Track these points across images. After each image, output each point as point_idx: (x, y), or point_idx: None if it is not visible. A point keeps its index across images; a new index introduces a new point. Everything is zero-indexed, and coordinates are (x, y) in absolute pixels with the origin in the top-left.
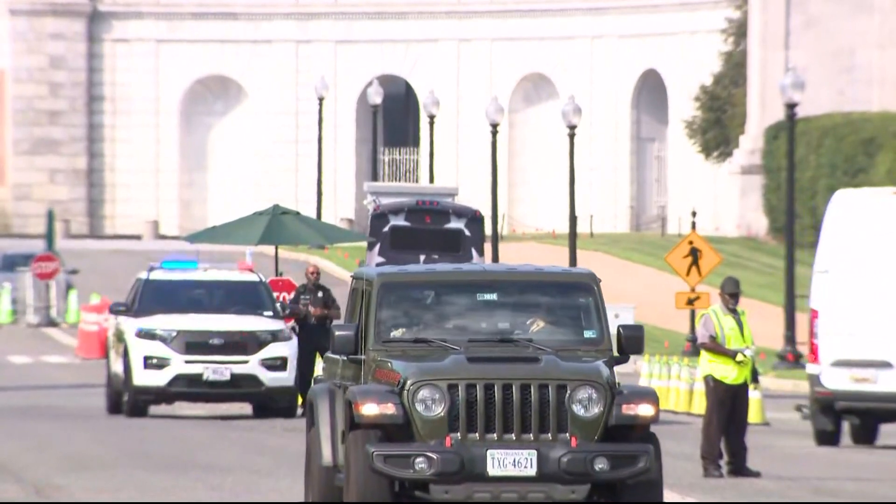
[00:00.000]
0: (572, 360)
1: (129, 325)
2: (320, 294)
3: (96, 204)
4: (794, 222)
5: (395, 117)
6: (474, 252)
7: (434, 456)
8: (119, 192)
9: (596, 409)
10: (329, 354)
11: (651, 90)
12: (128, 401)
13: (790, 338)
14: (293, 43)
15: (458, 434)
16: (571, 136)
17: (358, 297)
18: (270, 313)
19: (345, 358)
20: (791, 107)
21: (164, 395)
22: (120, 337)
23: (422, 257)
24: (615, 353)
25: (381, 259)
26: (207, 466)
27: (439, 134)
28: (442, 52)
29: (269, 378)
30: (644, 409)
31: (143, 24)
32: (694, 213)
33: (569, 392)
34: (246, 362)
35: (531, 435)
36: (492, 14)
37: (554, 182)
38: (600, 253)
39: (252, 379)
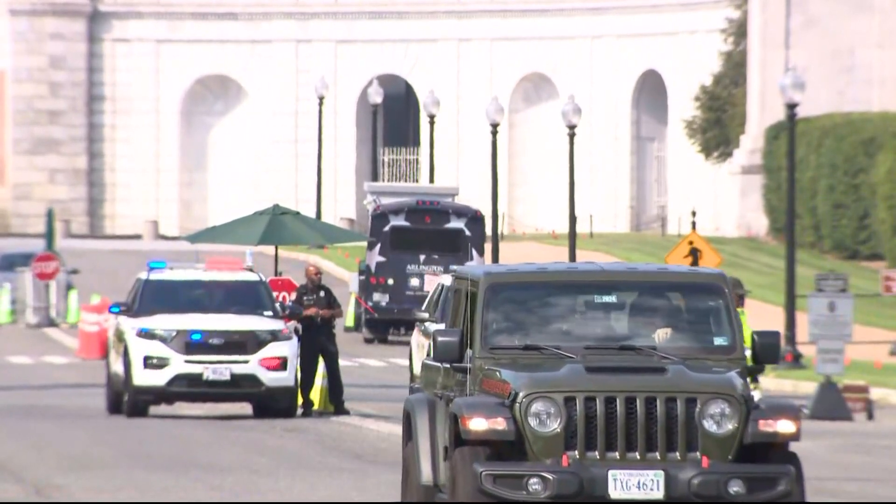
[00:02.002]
0: (702, 371)
1: (129, 325)
2: (322, 294)
3: (96, 204)
4: (794, 222)
5: (395, 117)
6: (474, 252)
7: (550, 476)
8: (119, 192)
9: (730, 426)
10: (427, 361)
11: (651, 90)
12: (128, 401)
13: (790, 338)
14: (293, 43)
15: (576, 452)
16: (571, 136)
17: (461, 298)
18: (270, 313)
19: (447, 366)
20: (791, 107)
21: (164, 395)
22: (120, 337)
23: (422, 257)
24: (749, 363)
25: (381, 259)
26: (207, 466)
27: (439, 134)
28: (442, 52)
29: (269, 378)
30: (784, 426)
31: (143, 24)
32: (694, 213)
33: (699, 406)
34: (246, 362)
35: (657, 454)
36: (492, 14)
37: (554, 182)
38: (600, 253)
39: (252, 379)
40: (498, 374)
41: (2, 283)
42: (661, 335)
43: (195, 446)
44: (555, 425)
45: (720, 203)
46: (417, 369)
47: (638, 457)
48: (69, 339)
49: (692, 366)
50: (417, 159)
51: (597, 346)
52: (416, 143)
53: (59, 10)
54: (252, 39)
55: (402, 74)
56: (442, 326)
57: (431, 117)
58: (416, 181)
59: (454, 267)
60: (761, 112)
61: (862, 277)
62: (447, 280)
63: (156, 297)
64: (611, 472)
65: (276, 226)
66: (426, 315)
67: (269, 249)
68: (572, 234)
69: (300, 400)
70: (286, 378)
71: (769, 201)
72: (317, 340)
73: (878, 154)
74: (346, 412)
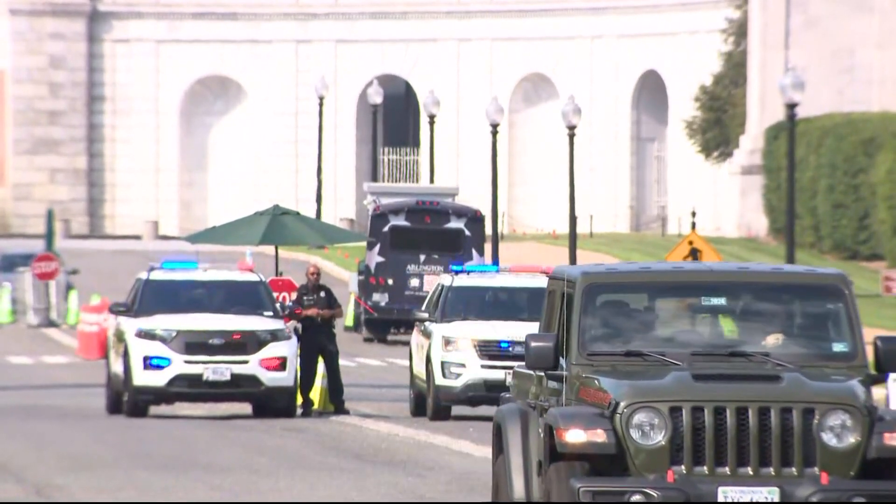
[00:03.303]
0: (820, 379)
1: (129, 325)
2: (322, 294)
3: (96, 204)
4: (794, 222)
5: (395, 117)
6: (474, 252)
7: (654, 493)
8: (119, 192)
9: (851, 439)
10: (519, 369)
11: (651, 90)
12: (128, 401)
13: None
14: (293, 43)
15: (683, 467)
16: (571, 136)
17: (556, 300)
18: (270, 313)
19: (541, 373)
20: (791, 107)
21: (164, 395)
22: (120, 337)
23: (422, 257)
24: (871, 371)
25: (381, 259)
26: (207, 466)
27: (439, 134)
28: (442, 52)
29: (269, 378)
30: None
31: (143, 24)
32: (694, 213)
33: (817, 417)
34: (246, 362)
35: (771, 469)
36: (492, 14)
37: (554, 182)
38: (601, 253)
39: (252, 379)
40: (597, 382)
41: (2, 283)
42: (772, 341)
43: (195, 446)
44: (659, 437)
45: (720, 203)
46: (417, 369)
47: (750, 472)
48: (69, 340)
49: (809, 374)
50: (417, 159)
51: (704, 352)
52: (416, 143)
53: (59, 10)
54: (252, 39)
55: (402, 74)
56: (443, 326)
57: (431, 117)
58: (416, 181)
59: (552, 269)
60: (761, 112)
61: (862, 277)
62: (446, 280)
63: (156, 298)
64: (720, 489)
65: (276, 226)
66: (426, 315)
67: (270, 249)
68: (572, 234)
69: (300, 400)
70: (286, 378)
71: (769, 201)
72: (317, 340)
73: (878, 154)
74: (346, 412)
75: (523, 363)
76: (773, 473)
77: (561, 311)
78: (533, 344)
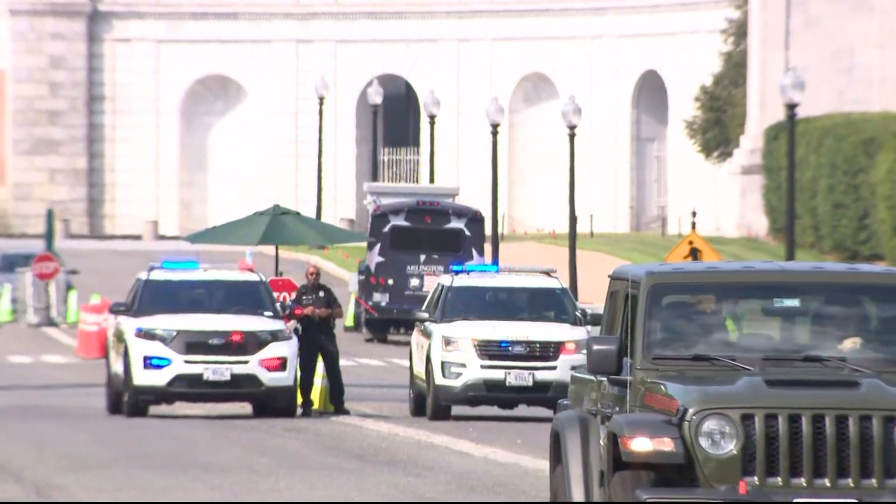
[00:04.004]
0: None
1: (129, 325)
2: (321, 294)
3: (96, 204)
4: (794, 222)
5: (395, 117)
6: (474, 252)
7: None
8: (119, 192)
9: None
10: (577, 374)
11: (651, 90)
12: (128, 401)
13: None
14: (293, 43)
15: (755, 477)
16: (571, 136)
17: (619, 302)
18: (270, 313)
19: (603, 379)
20: (791, 107)
21: (164, 395)
22: (120, 337)
23: (422, 257)
24: None
25: (381, 259)
26: (207, 466)
27: (439, 134)
28: (442, 52)
29: (269, 378)
30: None
31: (143, 24)
32: (694, 214)
33: None
34: (246, 362)
35: (850, 480)
36: (492, 14)
37: (554, 182)
38: (601, 253)
39: (252, 379)
40: (663, 387)
41: (2, 283)
42: (849, 345)
43: (195, 446)
44: (730, 446)
45: (720, 203)
46: (417, 369)
47: (827, 483)
48: (69, 339)
49: (889, 380)
50: (417, 159)
51: (777, 356)
52: (416, 143)
53: (59, 10)
54: (252, 39)
55: (402, 74)
56: (443, 326)
57: (431, 117)
58: (416, 181)
59: (611, 271)
60: (761, 112)
61: None
62: (446, 280)
63: (156, 297)
64: (796, 501)
65: (276, 226)
66: (426, 315)
67: (270, 249)
68: (572, 234)
69: (300, 400)
70: (286, 378)
71: (769, 201)
72: (316, 340)
73: (878, 154)
74: (346, 412)
75: (526, 362)
76: (851, 485)
77: (624, 312)
78: (595, 347)
